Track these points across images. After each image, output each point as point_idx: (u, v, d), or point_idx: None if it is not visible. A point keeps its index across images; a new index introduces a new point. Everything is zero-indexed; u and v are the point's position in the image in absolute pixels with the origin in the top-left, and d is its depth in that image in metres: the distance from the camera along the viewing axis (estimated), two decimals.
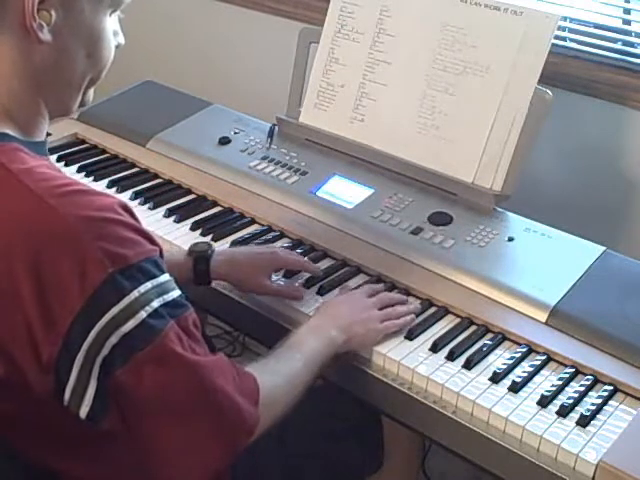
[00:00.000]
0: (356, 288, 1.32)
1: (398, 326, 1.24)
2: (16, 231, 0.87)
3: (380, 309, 1.25)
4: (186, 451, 0.92)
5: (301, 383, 1.10)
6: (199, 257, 1.31)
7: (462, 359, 1.19)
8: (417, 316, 1.27)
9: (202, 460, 0.94)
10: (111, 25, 1.02)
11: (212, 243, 1.36)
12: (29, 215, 0.88)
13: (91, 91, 1.05)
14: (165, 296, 0.92)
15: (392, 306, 1.27)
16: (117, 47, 1.04)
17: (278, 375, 1.07)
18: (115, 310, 0.87)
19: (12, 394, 0.91)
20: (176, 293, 0.94)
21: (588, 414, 1.09)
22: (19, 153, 0.93)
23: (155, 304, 0.90)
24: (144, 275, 0.90)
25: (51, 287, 0.86)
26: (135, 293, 0.89)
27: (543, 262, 1.37)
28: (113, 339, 0.88)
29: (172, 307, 0.93)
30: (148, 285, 0.90)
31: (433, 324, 1.27)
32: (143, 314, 0.89)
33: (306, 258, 1.39)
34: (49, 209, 0.87)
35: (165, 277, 0.93)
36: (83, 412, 0.90)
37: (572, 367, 1.19)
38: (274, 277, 1.35)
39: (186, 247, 1.42)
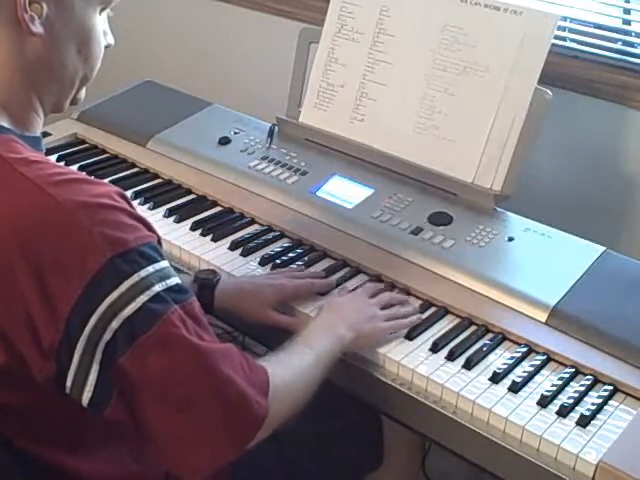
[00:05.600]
0: (355, 289, 1.32)
1: (405, 325, 1.24)
2: (13, 219, 0.87)
3: (381, 309, 1.25)
4: (191, 440, 0.91)
5: (312, 378, 1.08)
6: (203, 285, 1.27)
7: (462, 359, 1.19)
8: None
9: (208, 450, 0.92)
10: (101, 24, 1.02)
11: (218, 271, 1.32)
12: (26, 203, 0.88)
13: (83, 89, 1.05)
14: (167, 281, 0.91)
15: (392, 306, 1.27)
16: (107, 47, 1.05)
17: (289, 368, 1.06)
18: (115, 294, 0.87)
19: (13, 383, 0.91)
20: (177, 279, 0.94)
21: (588, 414, 1.09)
22: (14, 144, 0.94)
23: (157, 288, 0.90)
24: (145, 259, 0.90)
25: (50, 274, 0.86)
26: (135, 277, 0.88)
27: (543, 262, 1.37)
28: (114, 324, 0.87)
29: (175, 292, 0.92)
30: (150, 269, 0.90)
31: (433, 324, 1.27)
32: (143, 298, 0.88)
33: (321, 270, 1.36)
34: (47, 197, 0.87)
35: (165, 263, 0.93)
36: (85, 398, 0.90)
37: (572, 367, 1.19)
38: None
39: (186, 247, 1.43)
